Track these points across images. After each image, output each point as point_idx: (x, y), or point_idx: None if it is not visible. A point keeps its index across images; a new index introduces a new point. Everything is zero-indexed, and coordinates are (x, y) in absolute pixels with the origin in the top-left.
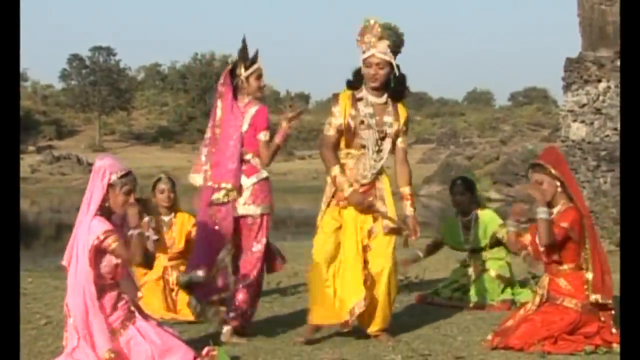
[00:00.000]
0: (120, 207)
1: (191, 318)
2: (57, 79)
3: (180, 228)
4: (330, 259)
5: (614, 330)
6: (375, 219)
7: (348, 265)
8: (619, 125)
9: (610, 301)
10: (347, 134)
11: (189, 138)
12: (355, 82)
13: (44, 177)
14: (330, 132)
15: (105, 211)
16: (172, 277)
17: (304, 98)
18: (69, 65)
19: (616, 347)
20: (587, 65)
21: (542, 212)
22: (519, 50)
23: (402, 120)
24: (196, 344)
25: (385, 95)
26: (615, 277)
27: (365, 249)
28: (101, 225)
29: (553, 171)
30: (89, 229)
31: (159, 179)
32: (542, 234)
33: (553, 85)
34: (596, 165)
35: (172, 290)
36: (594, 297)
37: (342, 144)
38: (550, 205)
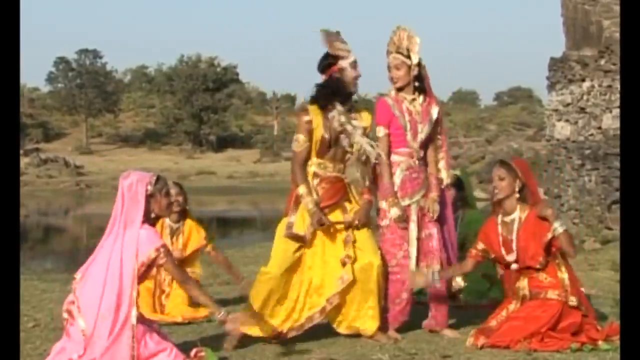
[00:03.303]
0: (166, 209)
1: (178, 319)
2: (44, 82)
3: (187, 237)
4: (286, 272)
5: (599, 328)
6: (347, 228)
7: (315, 272)
8: (602, 124)
9: (580, 302)
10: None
11: (176, 140)
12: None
13: (31, 180)
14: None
15: (148, 221)
16: (165, 278)
17: (291, 99)
18: (56, 68)
19: (601, 344)
20: (571, 65)
21: (561, 225)
22: (504, 50)
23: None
24: (184, 346)
25: (348, 105)
26: (599, 274)
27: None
28: (157, 238)
29: (519, 174)
30: (146, 238)
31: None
32: (570, 246)
33: (538, 84)
34: (581, 164)
35: (163, 292)
36: (571, 300)
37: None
38: (500, 205)
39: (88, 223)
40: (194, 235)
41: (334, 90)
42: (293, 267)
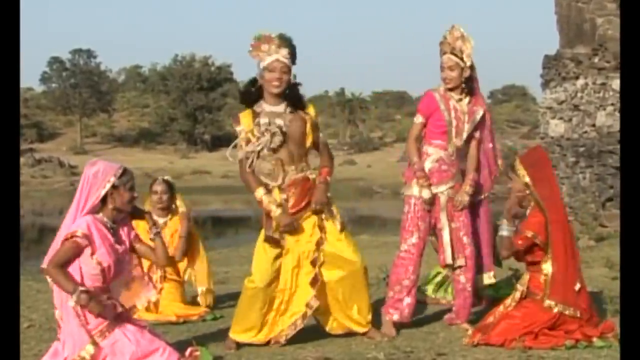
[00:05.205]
0: (128, 203)
1: (173, 319)
2: (38, 82)
3: (173, 232)
4: (270, 282)
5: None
6: (321, 229)
7: (293, 283)
8: (596, 122)
9: (572, 309)
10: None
11: (171, 139)
12: (254, 95)
13: (25, 180)
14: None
15: (110, 213)
16: (156, 275)
17: None
18: (50, 68)
19: (596, 341)
20: (565, 63)
21: (504, 229)
22: (498, 48)
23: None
24: (179, 345)
25: (284, 104)
26: (593, 272)
27: (316, 259)
28: (82, 226)
29: (522, 173)
30: (77, 222)
31: (155, 180)
32: (501, 249)
33: (532, 82)
34: (575, 161)
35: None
36: (547, 303)
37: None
38: (522, 205)
39: None
40: (178, 228)
41: (247, 93)
42: (276, 276)
